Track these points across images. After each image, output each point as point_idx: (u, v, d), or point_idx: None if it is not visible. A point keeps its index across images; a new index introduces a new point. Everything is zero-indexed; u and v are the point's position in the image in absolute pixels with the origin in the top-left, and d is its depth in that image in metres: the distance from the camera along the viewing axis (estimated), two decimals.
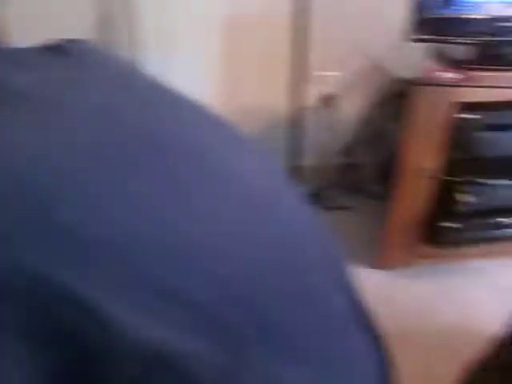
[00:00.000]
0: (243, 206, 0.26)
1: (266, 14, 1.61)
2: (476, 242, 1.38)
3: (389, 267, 1.48)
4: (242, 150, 0.32)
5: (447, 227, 1.35)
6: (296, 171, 1.54)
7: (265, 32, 1.63)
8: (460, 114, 1.24)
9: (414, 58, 1.30)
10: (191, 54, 1.63)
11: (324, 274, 0.32)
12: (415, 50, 1.33)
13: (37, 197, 0.19)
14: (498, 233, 1.37)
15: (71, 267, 0.19)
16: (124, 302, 0.19)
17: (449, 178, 1.32)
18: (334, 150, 1.85)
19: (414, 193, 1.34)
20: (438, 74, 1.21)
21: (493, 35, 1.27)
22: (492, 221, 1.36)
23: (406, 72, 1.22)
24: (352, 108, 1.79)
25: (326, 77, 1.75)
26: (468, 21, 1.26)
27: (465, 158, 1.29)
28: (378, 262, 1.49)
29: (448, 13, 1.24)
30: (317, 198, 1.81)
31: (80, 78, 0.27)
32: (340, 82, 1.76)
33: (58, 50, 0.29)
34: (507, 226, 1.35)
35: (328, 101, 1.77)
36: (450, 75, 1.20)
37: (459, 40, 1.25)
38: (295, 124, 1.73)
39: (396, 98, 1.46)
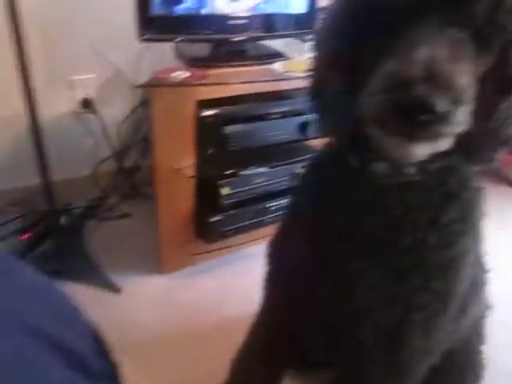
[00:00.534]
0: None
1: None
2: (243, 230, 1.44)
3: (169, 270, 1.46)
4: None
5: (214, 221, 1.37)
6: (55, 185, 1.39)
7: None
8: (203, 111, 1.25)
9: (147, 60, 1.26)
10: None
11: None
12: (148, 51, 1.29)
13: None
14: (263, 218, 1.45)
15: None
16: None
17: (206, 175, 1.33)
18: (102, 156, 1.74)
19: (175, 193, 1.33)
20: (173, 74, 1.19)
21: (225, 32, 1.31)
22: (254, 208, 1.42)
23: (142, 75, 1.18)
24: (116, 111, 1.69)
25: (82, 80, 1.62)
26: (199, 18, 1.27)
27: (217, 153, 1.32)
28: (159, 266, 1.46)
29: (177, 11, 1.23)
30: (93, 209, 1.68)
31: None
32: (98, 85, 1.65)
33: None
34: (268, 211, 1.44)
35: (87, 105, 1.64)
36: (185, 74, 1.20)
37: (191, 38, 1.25)
38: (53, 133, 1.56)
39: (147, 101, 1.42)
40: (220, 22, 1.30)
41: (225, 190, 1.36)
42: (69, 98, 1.63)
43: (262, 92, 1.32)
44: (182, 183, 1.32)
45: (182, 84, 1.13)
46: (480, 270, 0.89)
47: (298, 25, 1.39)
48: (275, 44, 1.49)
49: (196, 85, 1.14)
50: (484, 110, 0.55)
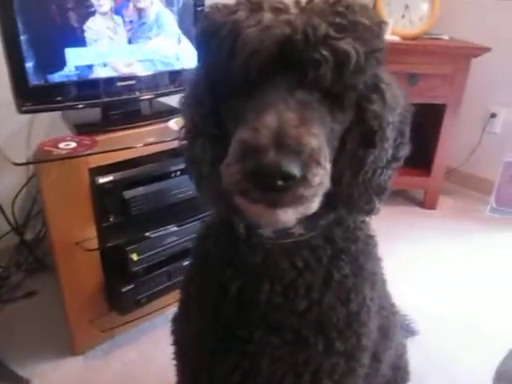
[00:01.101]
0: None
1: None
2: (160, 294, 1.37)
3: (82, 350, 1.35)
4: None
5: (127, 291, 1.29)
6: None
7: None
8: (99, 178, 1.19)
9: (35, 130, 1.19)
10: None
11: None
12: (35, 121, 1.22)
13: None
14: (178, 279, 1.39)
15: None
16: None
17: (112, 244, 1.26)
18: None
19: (79, 268, 1.24)
20: (60, 144, 1.13)
21: (113, 95, 1.27)
22: (168, 270, 1.37)
23: (28, 151, 1.10)
24: (10, 184, 1.58)
25: None
26: (83, 84, 1.21)
27: (120, 220, 1.26)
28: (71, 347, 1.34)
29: (55, 78, 1.17)
30: None
31: None
32: None
33: None
34: (183, 270, 1.38)
35: None
36: (72, 144, 1.14)
37: (74, 104, 1.20)
38: None
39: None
40: (107, 85, 1.26)
41: (134, 256, 1.29)
42: None
43: (161, 151, 1.29)
44: (84, 256, 1.23)
45: (69, 156, 1.07)
46: (388, 314, 0.89)
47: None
48: (173, 99, 1.47)
49: (83, 155, 1.08)
50: (353, 164, 0.57)
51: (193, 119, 0.61)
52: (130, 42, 1.27)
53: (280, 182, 0.43)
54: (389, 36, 2.02)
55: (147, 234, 1.30)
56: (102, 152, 1.11)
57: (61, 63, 1.16)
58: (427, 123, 2.19)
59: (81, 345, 1.34)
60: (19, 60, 1.08)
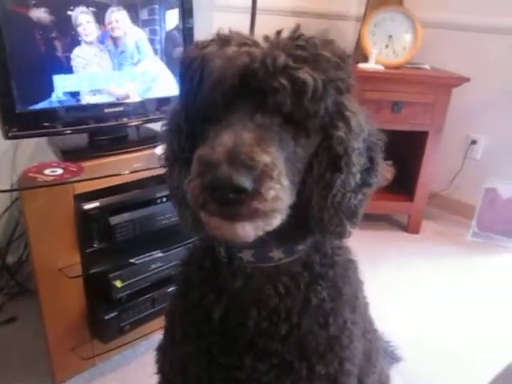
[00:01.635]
0: None
1: None
2: (143, 321, 1.36)
3: (63, 379, 1.32)
4: None
5: (110, 318, 1.28)
6: None
7: None
8: (84, 204, 1.19)
9: (17, 158, 1.18)
10: None
11: None
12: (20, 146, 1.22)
13: None
14: (163, 305, 1.38)
15: None
16: None
17: (95, 270, 1.25)
18: None
19: (61, 295, 1.22)
20: (45, 170, 1.12)
21: (100, 121, 1.28)
22: (152, 296, 1.36)
23: (12, 176, 1.10)
24: None
25: None
26: (69, 110, 1.22)
27: (104, 246, 1.25)
28: (51, 376, 1.31)
29: (46, 105, 1.17)
30: None
31: None
32: None
33: None
34: (167, 296, 1.37)
35: None
36: (58, 171, 1.14)
37: (60, 131, 1.20)
38: None
39: None
40: (94, 111, 1.27)
41: (118, 283, 1.28)
42: None
43: (147, 177, 1.29)
44: (67, 283, 1.21)
45: (54, 183, 1.06)
46: (371, 337, 0.90)
47: None
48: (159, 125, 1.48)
49: (68, 182, 1.08)
50: (321, 187, 0.59)
51: (171, 146, 0.64)
52: (115, 68, 1.29)
53: (231, 195, 0.45)
54: (373, 65, 2.08)
55: (132, 260, 1.30)
56: (89, 179, 1.11)
57: (48, 90, 1.17)
58: (411, 150, 2.24)
59: (62, 373, 1.31)
60: (6, 87, 1.08)
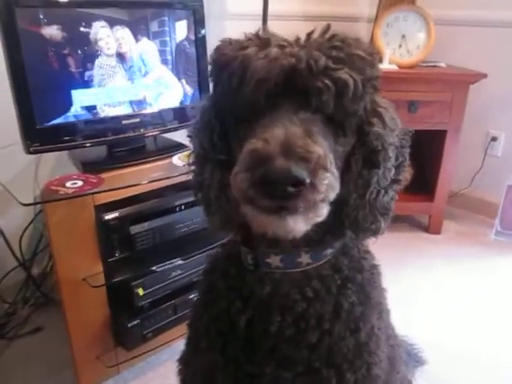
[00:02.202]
0: None
1: None
2: (166, 328, 1.37)
3: None
4: None
5: (133, 326, 1.30)
6: None
7: None
8: (105, 214, 1.21)
9: (39, 172, 1.21)
10: None
11: None
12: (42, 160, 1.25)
13: None
14: (184, 312, 1.39)
15: None
16: None
17: (117, 279, 1.27)
18: (7, 268, 1.61)
19: (85, 304, 1.24)
20: (67, 183, 1.15)
21: (118, 133, 1.30)
22: (174, 303, 1.37)
23: (35, 189, 1.13)
24: (17, 220, 1.60)
25: None
26: (88, 124, 1.25)
27: (126, 255, 1.27)
28: (79, 383, 1.33)
29: (65, 120, 1.21)
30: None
31: None
32: None
33: None
34: (189, 303, 1.38)
35: None
36: (79, 183, 1.16)
37: (80, 144, 1.23)
38: None
39: None
40: (112, 123, 1.29)
41: (140, 291, 1.30)
42: None
43: (165, 186, 1.31)
44: (91, 292, 1.23)
45: (75, 195, 1.09)
46: (393, 343, 0.89)
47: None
48: (179, 134, 1.50)
49: (88, 194, 1.10)
50: (359, 185, 0.59)
51: (202, 145, 0.63)
52: (129, 80, 1.31)
53: (291, 189, 0.45)
54: (387, 65, 2.06)
55: (153, 268, 1.31)
56: (109, 190, 1.14)
57: (67, 104, 1.20)
58: (429, 149, 2.21)
59: (86, 381, 1.33)
60: (27, 103, 1.11)
